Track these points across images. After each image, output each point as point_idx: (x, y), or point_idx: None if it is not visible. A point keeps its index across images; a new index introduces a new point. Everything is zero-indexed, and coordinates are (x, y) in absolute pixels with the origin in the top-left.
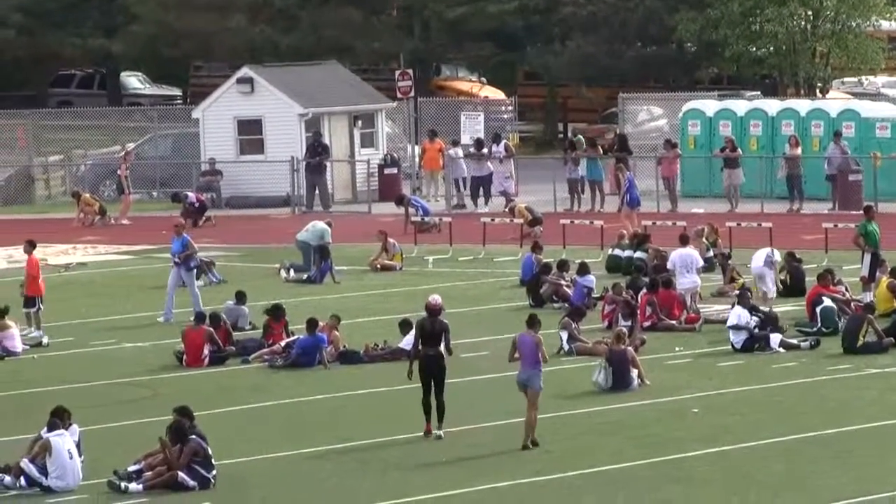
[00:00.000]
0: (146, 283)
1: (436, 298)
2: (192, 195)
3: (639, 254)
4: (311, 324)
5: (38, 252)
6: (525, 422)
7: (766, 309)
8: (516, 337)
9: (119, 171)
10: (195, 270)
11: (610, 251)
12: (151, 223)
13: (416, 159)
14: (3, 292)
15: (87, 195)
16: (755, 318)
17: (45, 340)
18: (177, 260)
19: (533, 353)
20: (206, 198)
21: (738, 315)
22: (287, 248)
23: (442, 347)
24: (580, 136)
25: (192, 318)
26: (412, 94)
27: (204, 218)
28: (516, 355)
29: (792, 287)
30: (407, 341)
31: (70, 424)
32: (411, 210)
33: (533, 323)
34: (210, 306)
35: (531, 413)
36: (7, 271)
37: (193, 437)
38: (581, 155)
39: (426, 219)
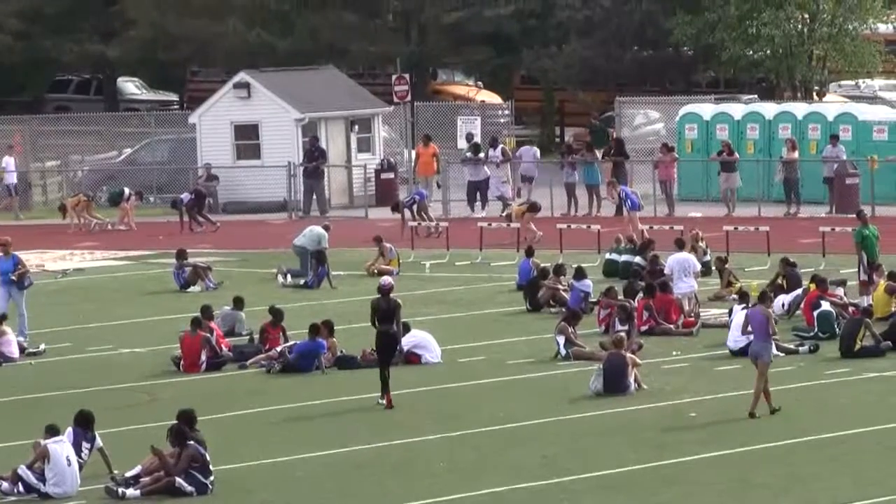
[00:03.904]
0: (143, 288)
1: (387, 280)
2: (185, 195)
3: (638, 259)
4: (313, 329)
5: (35, 258)
6: (754, 392)
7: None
8: (747, 312)
9: (127, 206)
10: (25, 291)
11: (607, 255)
12: (148, 229)
13: (413, 164)
14: None
15: (71, 199)
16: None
17: (42, 347)
18: (13, 278)
19: (763, 326)
20: (201, 186)
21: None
22: (284, 252)
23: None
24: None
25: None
26: (409, 98)
27: (206, 208)
28: (749, 329)
29: (788, 291)
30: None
31: (93, 432)
32: (407, 214)
33: (764, 298)
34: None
35: (759, 383)
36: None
37: (192, 442)
38: (578, 159)
39: (424, 224)
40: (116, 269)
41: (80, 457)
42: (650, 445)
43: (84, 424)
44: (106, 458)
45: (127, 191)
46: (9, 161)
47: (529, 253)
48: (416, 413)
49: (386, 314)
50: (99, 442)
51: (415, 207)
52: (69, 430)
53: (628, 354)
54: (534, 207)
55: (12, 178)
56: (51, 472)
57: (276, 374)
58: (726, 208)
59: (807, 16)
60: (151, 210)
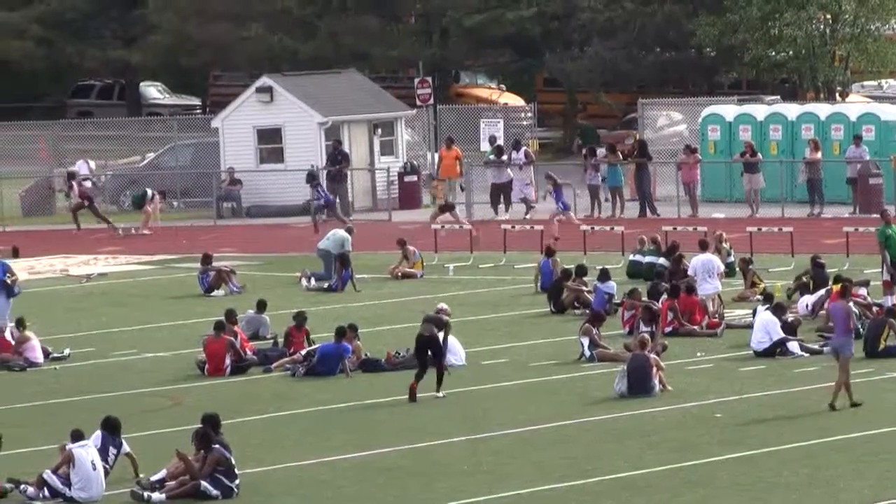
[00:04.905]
0: (167, 292)
1: (443, 305)
2: (76, 186)
3: (662, 260)
4: (339, 332)
5: (59, 262)
6: (836, 384)
7: (790, 318)
8: (829, 307)
9: (150, 209)
10: (10, 299)
11: (631, 257)
12: (172, 233)
13: (435, 167)
14: (21, 303)
15: None
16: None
17: (66, 351)
18: (8, 282)
19: (844, 320)
20: (88, 189)
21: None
22: (308, 256)
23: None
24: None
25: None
26: (431, 101)
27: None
28: (830, 323)
29: (814, 292)
30: None
31: (120, 437)
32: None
33: (845, 292)
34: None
35: (843, 376)
36: (28, 282)
37: (217, 446)
38: (601, 161)
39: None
40: (140, 274)
41: (106, 462)
42: (675, 446)
43: (111, 430)
44: (134, 463)
45: (149, 191)
46: (82, 165)
47: (549, 253)
48: (439, 416)
49: (432, 320)
50: (126, 447)
51: (325, 211)
52: (96, 434)
53: (652, 356)
54: (448, 207)
55: (88, 182)
56: (76, 476)
57: (300, 378)
58: (750, 209)
59: (829, 16)
60: (174, 215)
